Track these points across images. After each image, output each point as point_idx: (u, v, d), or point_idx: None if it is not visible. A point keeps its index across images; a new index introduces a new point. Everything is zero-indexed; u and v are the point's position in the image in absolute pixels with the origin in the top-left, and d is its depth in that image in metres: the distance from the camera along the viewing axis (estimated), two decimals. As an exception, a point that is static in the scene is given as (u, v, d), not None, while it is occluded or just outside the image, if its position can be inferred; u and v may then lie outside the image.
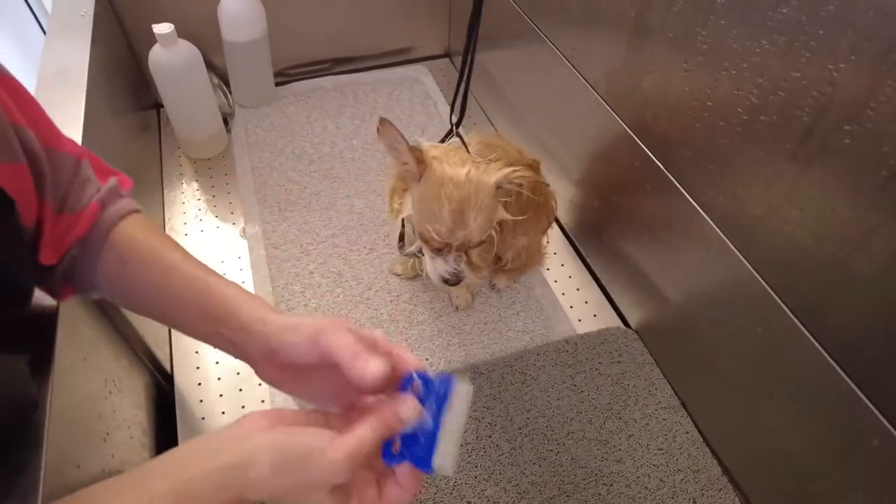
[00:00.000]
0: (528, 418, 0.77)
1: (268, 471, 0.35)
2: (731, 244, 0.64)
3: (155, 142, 1.11)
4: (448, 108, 1.21)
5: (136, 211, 0.50)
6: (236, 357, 0.46)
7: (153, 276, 0.46)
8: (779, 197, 0.56)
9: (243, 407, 0.78)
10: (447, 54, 1.35)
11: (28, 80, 0.55)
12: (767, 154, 0.56)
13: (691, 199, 0.69)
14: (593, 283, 0.93)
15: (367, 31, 1.26)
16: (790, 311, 0.58)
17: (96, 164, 0.50)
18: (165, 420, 0.76)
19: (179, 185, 1.05)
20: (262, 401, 0.78)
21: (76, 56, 0.79)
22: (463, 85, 0.78)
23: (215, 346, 0.46)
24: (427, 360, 0.82)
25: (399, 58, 1.32)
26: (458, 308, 0.88)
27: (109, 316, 0.73)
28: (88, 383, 0.60)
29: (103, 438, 0.61)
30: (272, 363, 0.43)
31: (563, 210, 1.00)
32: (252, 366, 0.45)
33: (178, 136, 1.07)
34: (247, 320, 0.43)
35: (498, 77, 1.15)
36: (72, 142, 0.49)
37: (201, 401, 0.79)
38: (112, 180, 0.50)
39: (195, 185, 1.04)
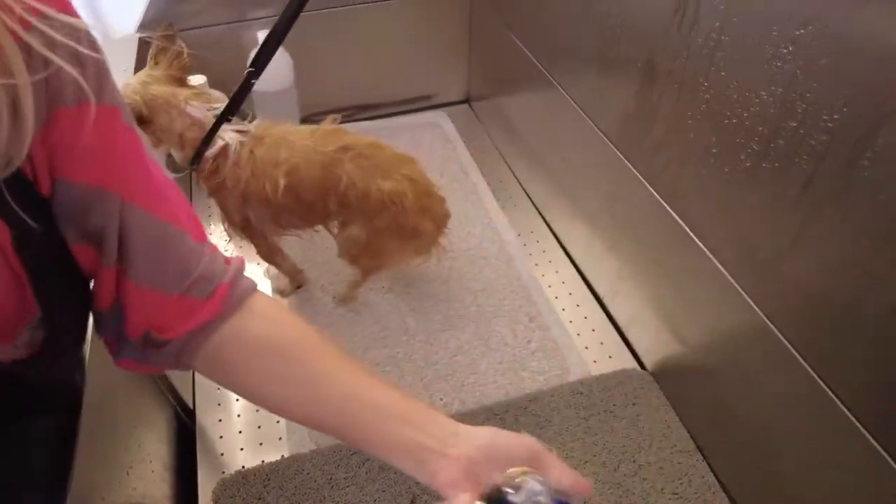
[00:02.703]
0: (542, 460, 0.77)
1: None
2: (740, 289, 0.65)
3: (185, 184, 1.17)
4: (467, 152, 1.25)
5: (256, 289, 0.47)
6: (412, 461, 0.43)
7: (295, 375, 0.44)
8: (785, 242, 0.57)
9: (261, 444, 0.80)
10: (467, 100, 1.40)
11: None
12: (772, 199, 0.58)
13: (700, 244, 0.70)
14: (609, 324, 0.93)
15: (390, 79, 1.32)
16: (803, 359, 0.58)
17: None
18: (186, 454, 0.79)
19: (208, 227, 1.09)
20: (280, 438, 0.80)
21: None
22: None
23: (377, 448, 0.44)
24: (441, 399, 0.83)
25: (420, 104, 1.37)
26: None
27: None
28: (115, 416, 0.63)
29: (126, 472, 0.63)
30: (466, 459, 0.42)
31: (580, 251, 1.02)
32: (434, 464, 0.42)
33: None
34: (452, 428, 0.44)
35: (515, 121, 1.19)
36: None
37: (221, 437, 0.81)
38: (237, 259, 0.47)
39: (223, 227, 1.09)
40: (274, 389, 0.45)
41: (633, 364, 0.89)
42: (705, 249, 0.69)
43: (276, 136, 0.82)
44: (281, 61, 1.10)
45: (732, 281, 0.66)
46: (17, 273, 0.36)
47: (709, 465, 0.77)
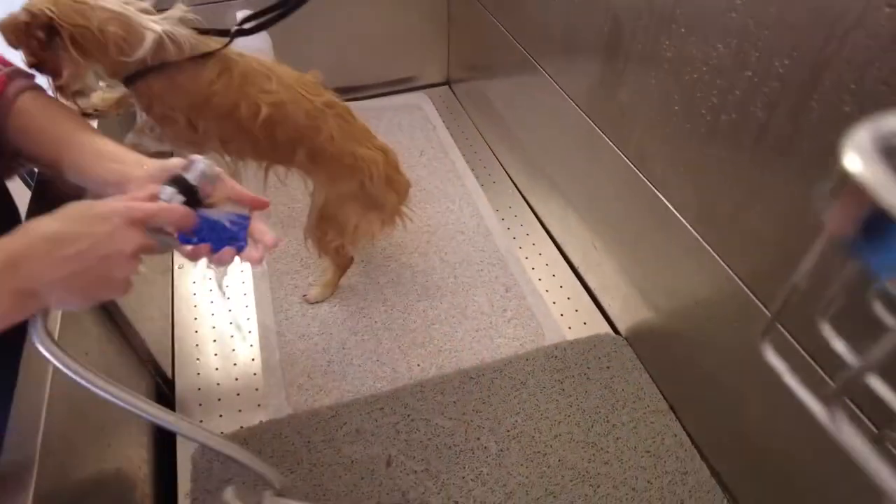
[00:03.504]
0: (517, 421, 0.78)
1: (48, 219, 0.41)
2: (706, 245, 0.67)
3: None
4: (447, 132, 1.26)
5: (37, 87, 0.61)
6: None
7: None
8: (743, 195, 0.59)
9: (240, 411, 0.81)
10: (447, 82, 1.42)
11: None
12: (731, 152, 0.59)
13: (667, 203, 0.71)
14: (584, 291, 0.95)
15: (370, 61, 1.33)
16: (769, 311, 0.60)
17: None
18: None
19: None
20: (259, 405, 0.81)
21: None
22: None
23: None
24: (419, 365, 0.84)
25: (401, 86, 1.39)
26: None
27: (114, 318, 0.77)
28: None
29: (106, 439, 0.64)
30: (149, 177, 0.52)
31: (556, 224, 1.03)
32: (125, 185, 0.53)
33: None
34: (140, 158, 0.56)
35: (495, 102, 1.20)
36: None
37: (200, 404, 0.82)
38: (15, 65, 0.61)
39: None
40: (20, 142, 0.58)
41: (606, 329, 0.90)
42: (672, 208, 0.71)
43: (264, 66, 0.80)
44: (260, 42, 1.11)
45: (698, 237, 0.68)
46: None
47: (681, 423, 0.79)
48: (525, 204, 1.11)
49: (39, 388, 0.54)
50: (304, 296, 0.94)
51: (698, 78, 0.61)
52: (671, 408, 0.80)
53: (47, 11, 0.69)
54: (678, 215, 0.70)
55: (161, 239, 0.45)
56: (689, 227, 0.69)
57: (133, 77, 0.75)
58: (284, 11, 0.81)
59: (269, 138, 0.80)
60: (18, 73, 0.61)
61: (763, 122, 0.54)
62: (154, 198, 0.46)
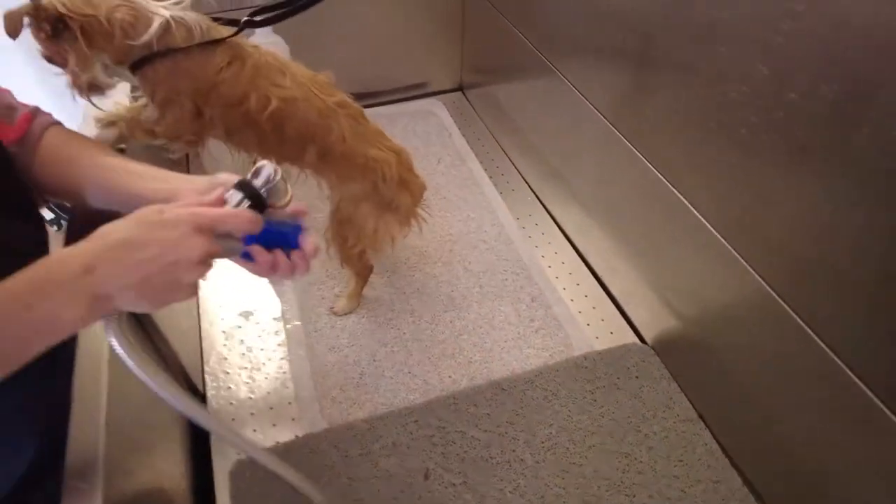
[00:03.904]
0: (551, 433, 0.79)
1: (117, 224, 0.42)
2: (738, 255, 0.68)
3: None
4: (462, 139, 1.26)
5: (59, 123, 0.62)
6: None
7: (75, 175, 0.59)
8: (781, 209, 0.60)
9: (274, 425, 0.81)
10: (460, 88, 1.42)
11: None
12: (770, 168, 0.60)
13: (697, 213, 0.72)
14: (608, 300, 0.96)
15: (383, 67, 1.33)
16: (800, 319, 0.61)
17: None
18: (200, 438, 0.79)
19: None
20: (293, 418, 0.81)
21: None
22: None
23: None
24: (450, 376, 0.85)
25: (414, 92, 1.39)
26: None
27: (149, 333, 0.77)
28: (130, 400, 0.63)
29: (147, 453, 0.64)
30: (200, 193, 0.52)
31: (577, 232, 1.04)
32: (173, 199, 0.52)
33: (207, 169, 1.13)
34: (185, 176, 0.58)
35: (510, 108, 1.21)
36: None
37: (234, 419, 0.82)
38: (32, 106, 0.61)
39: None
40: (49, 176, 0.58)
41: (633, 338, 0.91)
42: (702, 219, 0.72)
43: (278, 62, 0.80)
44: (277, 49, 1.11)
45: (730, 248, 0.68)
46: None
47: (711, 432, 0.80)
48: (544, 211, 1.11)
49: (97, 400, 0.55)
50: (332, 308, 0.95)
51: (737, 97, 0.62)
52: (700, 417, 0.82)
53: (58, 6, 0.69)
54: (708, 226, 0.71)
55: (227, 244, 0.46)
56: (720, 237, 0.70)
57: (139, 63, 0.75)
58: (295, 8, 0.82)
59: (277, 132, 0.80)
60: (38, 110, 0.62)
61: (806, 144, 0.55)
62: (221, 203, 0.47)
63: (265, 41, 1.08)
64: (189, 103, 0.78)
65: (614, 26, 0.80)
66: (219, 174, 0.53)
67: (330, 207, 0.88)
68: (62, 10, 0.69)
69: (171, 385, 0.46)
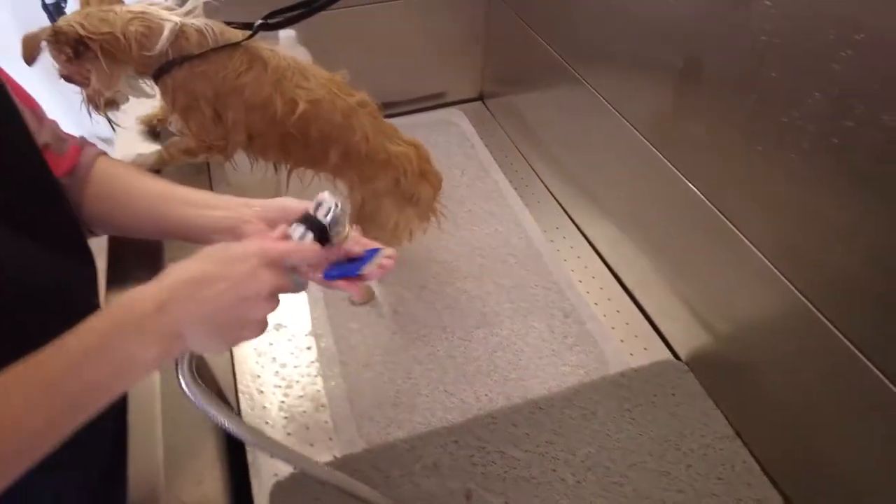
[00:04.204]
0: (590, 452, 0.79)
1: (186, 262, 0.42)
2: (784, 278, 0.68)
3: (206, 185, 1.16)
4: (485, 150, 1.26)
5: (105, 153, 0.62)
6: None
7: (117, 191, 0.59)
8: (834, 235, 0.60)
9: (312, 445, 0.81)
10: (480, 97, 1.41)
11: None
12: (824, 194, 0.60)
13: (741, 235, 0.72)
14: (641, 316, 0.96)
15: (403, 77, 1.32)
16: (846, 338, 0.61)
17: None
18: (237, 459, 0.79)
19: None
20: (330, 438, 0.81)
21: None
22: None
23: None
24: (486, 395, 0.85)
25: (433, 102, 1.38)
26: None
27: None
28: (168, 419, 0.63)
29: (185, 473, 0.64)
30: (266, 220, 0.54)
31: (607, 246, 1.04)
32: (240, 230, 0.54)
33: (231, 183, 1.12)
34: (242, 200, 0.57)
35: (532, 118, 1.20)
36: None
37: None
38: (77, 136, 0.61)
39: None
40: (101, 208, 0.57)
41: (667, 355, 0.91)
42: (744, 238, 0.72)
43: (298, 63, 0.80)
44: (301, 57, 1.10)
45: (773, 267, 0.68)
46: None
47: (748, 449, 0.80)
48: (572, 224, 1.11)
49: (152, 434, 0.54)
50: (350, 297, 0.96)
51: (788, 122, 0.62)
52: (737, 434, 0.82)
53: (78, 29, 0.70)
54: (750, 245, 0.71)
55: (295, 278, 0.46)
56: (762, 256, 0.70)
57: (158, 72, 0.75)
58: (312, 9, 0.81)
59: (304, 136, 0.80)
60: (85, 140, 0.61)
61: (865, 171, 0.55)
62: (285, 237, 0.47)
63: (291, 53, 1.08)
64: (209, 109, 0.78)
65: (654, 44, 0.80)
66: (279, 198, 0.53)
67: (352, 206, 0.88)
68: (82, 31, 0.70)
69: (242, 423, 0.46)
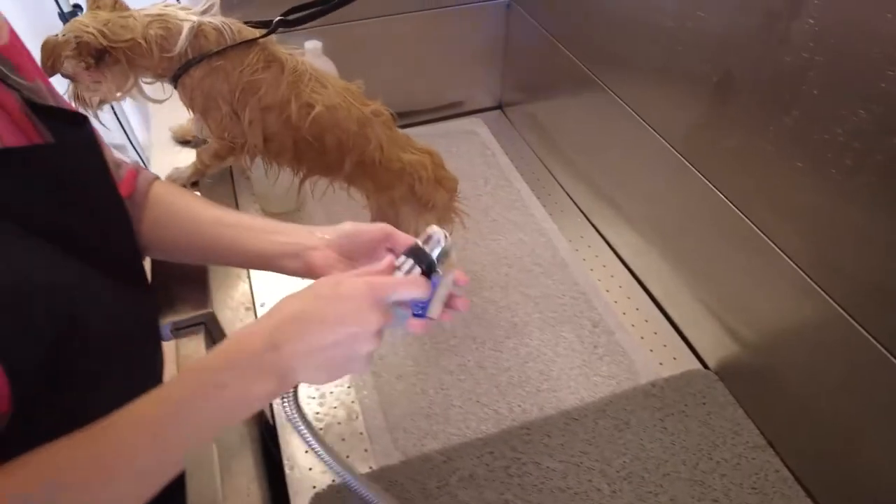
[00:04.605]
0: (625, 462, 0.80)
1: (296, 297, 0.42)
2: (820, 289, 0.68)
3: (231, 195, 1.16)
4: (506, 158, 1.27)
5: (158, 177, 0.62)
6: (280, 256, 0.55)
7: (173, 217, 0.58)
8: (878, 250, 0.61)
9: (347, 457, 0.81)
10: (499, 106, 1.42)
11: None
12: (867, 210, 0.61)
13: (776, 248, 0.73)
14: (669, 325, 0.96)
15: (423, 85, 1.33)
16: (882, 345, 0.62)
17: None
18: (273, 471, 0.79)
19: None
20: (366, 449, 0.81)
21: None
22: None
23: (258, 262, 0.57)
24: (519, 406, 0.86)
25: (452, 111, 1.39)
26: None
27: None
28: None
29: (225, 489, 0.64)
30: (334, 246, 0.54)
31: (634, 256, 1.04)
32: (307, 256, 0.53)
33: (256, 191, 1.13)
34: (308, 227, 0.56)
35: (553, 127, 1.21)
36: None
37: (306, 451, 0.82)
38: (133, 160, 0.61)
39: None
40: (160, 233, 0.57)
41: (696, 364, 0.92)
42: (781, 252, 0.73)
43: (314, 69, 0.81)
44: (326, 67, 1.10)
45: (810, 281, 0.69)
46: (28, 134, 0.41)
47: (781, 458, 0.81)
48: (596, 233, 1.12)
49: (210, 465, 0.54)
50: None
51: (829, 139, 0.62)
52: (769, 443, 0.83)
53: (101, 38, 0.71)
54: (787, 258, 0.72)
55: (397, 312, 0.47)
56: (798, 269, 0.70)
57: (178, 73, 0.76)
58: (331, 6, 0.82)
59: (318, 142, 0.80)
60: (138, 164, 0.62)
61: (908, 186, 0.56)
62: (391, 270, 0.47)
63: (317, 64, 1.08)
64: (226, 106, 0.79)
65: (687, 56, 0.80)
66: (343, 224, 0.54)
67: (370, 216, 0.89)
68: (105, 42, 0.71)
69: (338, 457, 0.47)
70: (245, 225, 0.57)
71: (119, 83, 0.78)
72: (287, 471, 0.79)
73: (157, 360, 0.56)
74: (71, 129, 0.44)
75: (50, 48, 0.71)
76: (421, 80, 1.32)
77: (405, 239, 0.52)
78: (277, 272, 0.55)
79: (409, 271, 0.47)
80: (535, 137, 1.29)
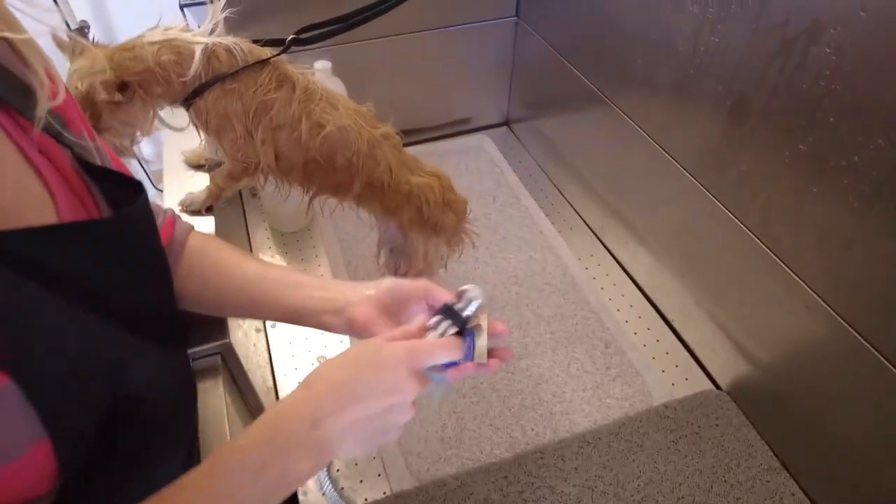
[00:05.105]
0: (639, 485, 0.79)
1: (334, 365, 0.42)
2: (837, 315, 0.68)
3: (240, 215, 1.16)
4: (514, 175, 1.27)
5: (193, 227, 0.60)
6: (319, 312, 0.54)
7: (233, 284, 0.56)
8: (876, 262, 0.61)
9: (361, 481, 0.81)
10: (506, 122, 1.42)
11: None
12: (884, 237, 0.61)
13: (792, 273, 0.73)
14: (681, 345, 0.96)
15: (433, 103, 1.33)
16: (894, 367, 0.62)
17: None
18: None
19: (270, 259, 1.09)
20: (379, 474, 0.81)
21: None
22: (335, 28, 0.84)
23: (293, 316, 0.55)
24: (533, 429, 0.85)
25: (459, 128, 1.39)
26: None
27: (239, 387, 0.76)
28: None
29: None
30: (374, 305, 0.52)
31: (645, 276, 1.04)
32: (349, 312, 0.52)
33: (266, 210, 1.13)
34: (350, 283, 0.55)
35: (561, 144, 1.21)
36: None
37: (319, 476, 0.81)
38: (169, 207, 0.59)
39: (285, 259, 1.09)
40: (196, 285, 0.55)
41: (708, 385, 0.92)
42: (795, 275, 0.73)
43: (326, 89, 0.81)
44: (336, 88, 1.11)
45: (824, 304, 0.69)
46: (79, 194, 0.39)
47: (796, 481, 0.81)
48: (606, 251, 1.12)
49: None
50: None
51: (847, 165, 0.63)
52: (783, 465, 0.82)
53: (114, 73, 0.70)
54: (802, 282, 0.72)
55: (433, 375, 0.46)
56: (813, 293, 0.70)
57: (191, 97, 0.76)
58: (345, 25, 0.82)
59: (328, 162, 0.80)
60: (174, 212, 0.60)
61: (929, 217, 0.56)
62: (424, 331, 0.47)
63: (327, 84, 1.08)
64: (241, 126, 0.78)
65: (701, 79, 0.81)
66: (384, 279, 0.53)
67: (378, 237, 0.89)
68: (125, 76, 0.71)
69: None
70: (288, 281, 0.55)
71: (142, 118, 0.78)
72: (301, 497, 0.79)
73: (193, 415, 0.54)
74: (123, 192, 0.42)
75: (82, 101, 0.70)
76: (429, 97, 1.32)
77: (443, 294, 0.50)
78: (317, 328, 0.54)
79: (443, 333, 0.46)
80: (543, 154, 1.30)
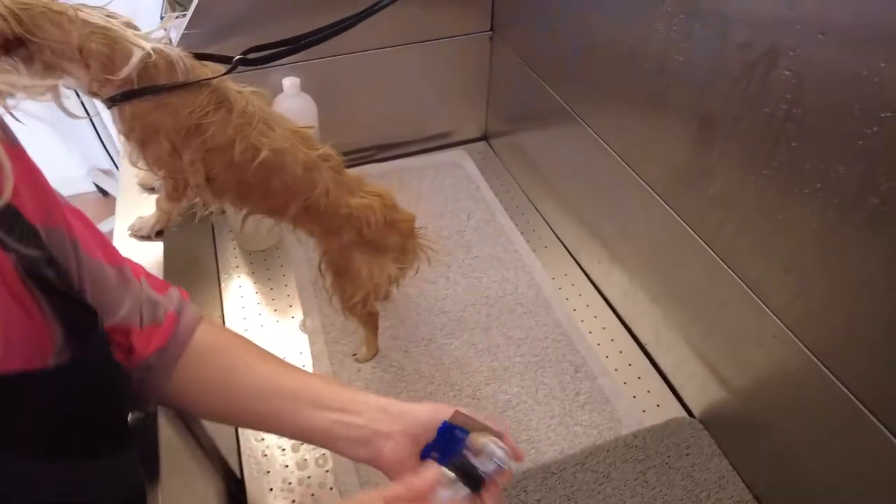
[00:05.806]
0: (605, 519, 0.77)
1: None
2: (806, 349, 0.66)
3: (209, 235, 1.14)
4: (491, 192, 1.25)
5: (202, 317, 0.54)
6: (350, 444, 0.49)
7: (250, 387, 0.50)
8: (862, 306, 0.58)
9: (317, 513, 0.78)
10: (484, 137, 1.40)
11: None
12: (850, 267, 0.58)
13: (757, 297, 0.71)
14: (654, 371, 0.94)
15: (409, 118, 1.31)
16: (873, 415, 0.59)
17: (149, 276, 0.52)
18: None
19: (237, 278, 1.07)
20: (336, 506, 0.78)
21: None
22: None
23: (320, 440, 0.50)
24: (497, 458, 0.82)
25: (438, 142, 1.37)
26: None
27: (189, 424, 0.74)
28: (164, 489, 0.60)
29: None
30: (410, 437, 0.47)
31: (619, 298, 1.02)
32: (378, 444, 0.47)
33: (233, 228, 1.10)
34: (381, 404, 0.49)
35: (538, 160, 1.19)
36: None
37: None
38: (173, 290, 0.53)
39: (252, 278, 1.07)
40: (194, 390, 0.50)
41: (681, 412, 0.89)
42: (763, 305, 0.70)
43: (265, 110, 0.77)
44: (306, 107, 1.09)
45: (793, 336, 0.67)
46: (23, 303, 0.35)
47: (768, 516, 0.78)
48: (580, 270, 1.09)
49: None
50: (354, 355, 0.94)
51: (810, 193, 0.60)
52: (756, 498, 0.79)
53: (13, 22, 0.58)
54: (775, 318, 0.69)
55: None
56: (788, 331, 0.68)
57: (116, 98, 0.69)
58: (295, 47, 0.80)
59: (263, 184, 0.77)
60: (182, 300, 0.53)
61: (890, 250, 0.54)
62: (434, 485, 0.43)
63: (294, 101, 1.06)
64: (167, 143, 0.74)
65: (666, 100, 0.78)
66: (419, 409, 0.49)
67: (318, 259, 0.86)
68: (20, 30, 0.58)
69: None
70: (306, 397, 0.49)
71: (28, 86, 0.70)
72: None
73: None
74: (76, 312, 0.37)
75: None
76: (405, 112, 1.30)
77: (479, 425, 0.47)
78: (337, 453, 0.51)
79: (452, 497, 0.43)
80: (520, 170, 1.27)
